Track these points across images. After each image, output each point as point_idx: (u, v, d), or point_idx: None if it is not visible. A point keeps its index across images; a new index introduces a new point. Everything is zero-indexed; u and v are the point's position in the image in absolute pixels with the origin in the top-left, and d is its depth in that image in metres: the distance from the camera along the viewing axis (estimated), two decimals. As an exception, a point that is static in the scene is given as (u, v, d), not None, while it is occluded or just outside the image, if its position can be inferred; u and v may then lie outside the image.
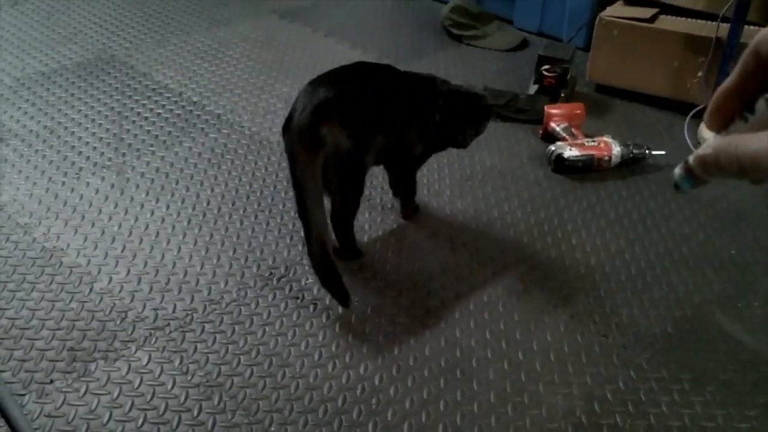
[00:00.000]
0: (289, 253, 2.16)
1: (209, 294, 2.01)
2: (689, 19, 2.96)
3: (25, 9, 3.73)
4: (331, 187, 2.03)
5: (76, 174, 2.47)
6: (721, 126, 0.67)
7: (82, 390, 1.71)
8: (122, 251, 2.15)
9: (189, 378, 1.75)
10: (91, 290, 2.00)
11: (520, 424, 1.68)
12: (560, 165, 2.55)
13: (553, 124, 2.71)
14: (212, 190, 2.42)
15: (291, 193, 2.28)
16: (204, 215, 2.30)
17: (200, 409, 1.67)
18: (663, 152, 2.63)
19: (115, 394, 1.70)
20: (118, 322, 1.90)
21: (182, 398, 1.70)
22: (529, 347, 1.88)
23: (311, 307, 1.97)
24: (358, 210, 2.12)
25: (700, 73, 2.85)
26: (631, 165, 2.60)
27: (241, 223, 2.27)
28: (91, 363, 1.78)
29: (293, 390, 1.73)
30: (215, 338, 1.86)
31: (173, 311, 1.94)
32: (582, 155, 2.55)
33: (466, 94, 2.17)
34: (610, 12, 3.02)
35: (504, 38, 3.59)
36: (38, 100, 2.91)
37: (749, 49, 0.64)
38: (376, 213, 2.34)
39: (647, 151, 2.60)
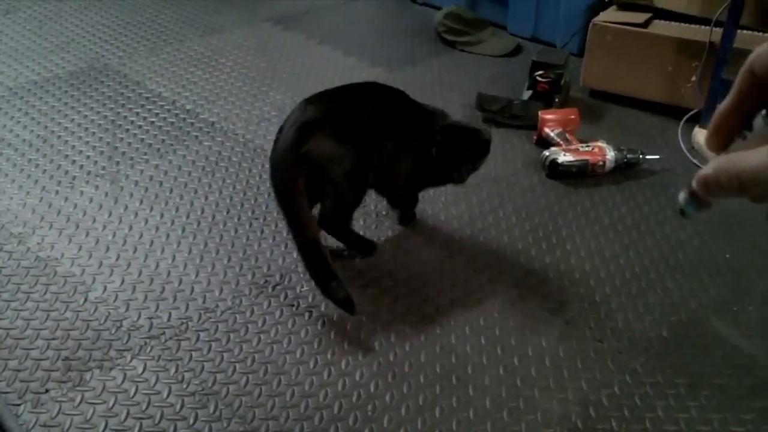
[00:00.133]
0: (284, 260, 2.16)
1: (204, 302, 2.00)
2: (682, 24, 2.96)
3: (18, 18, 3.73)
4: (320, 198, 2.05)
5: (70, 183, 2.47)
6: (722, 146, 0.67)
7: (78, 399, 1.70)
8: (116, 260, 2.15)
9: (184, 386, 1.74)
10: (85, 299, 2.00)
11: (515, 429, 1.67)
12: (554, 170, 2.55)
13: (547, 130, 2.72)
14: (206, 198, 2.41)
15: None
16: (198, 223, 2.30)
17: (196, 418, 1.67)
18: (657, 157, 2.63)
19: (111, 404, 1.69)
20: (113, 331, 1.90)
21: (178, 407, 1.69)
22: (524, 353, 1.88)
23: (306, 315, 1.97)
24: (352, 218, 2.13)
25: (693, 78, 2.85)
26: (626, 170, 2.60)
27: (236, 231, 2.27)
28: (86, 372, 1.77)
29: (289, 397, 1.72)
30: (210, 346, 1.86)
31: (168, 320, 1.94)
32: (576, 160, 2.55)
33: (463, 129, 2.18)
34: (604, 17, 3.03)
35: (498, 44, 3.59)
36: (31, 109, 2.90)
37: (744, 69, 0.64)
38: (370, 220, 2.34)
39: (641, 156, 2.61)
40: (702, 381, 1.81)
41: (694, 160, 2.68)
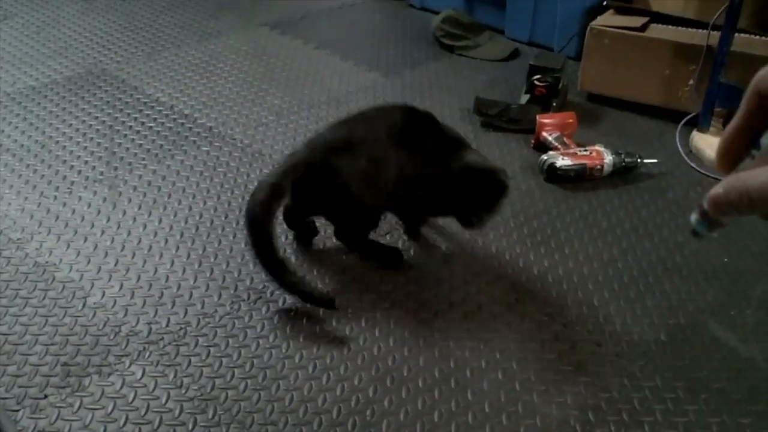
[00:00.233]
0: (282, 265, 2.16)
1: (203, 307, 2.00)
2: (680, 28, 2.97)
3: (15, 24, 3.73)
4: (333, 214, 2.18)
5: (68, 188, 2.47)
6: (731, 166, 0.68)
7: (76, 405, 1.70)
8: (115, 265, 2.15)
9: (183, 392, 1.74)
10: (84, 305, 2.00)
11: (515, 434, 1.68)
12: (552, 174, 2.56)
13: (545, 134, 2.72)
14: (205, 203, 2.42)
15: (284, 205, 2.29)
16: (197, 228, 2.30)
17: (195, 423, 1.67)
18: (655, 160, 2.63)
19: (109, 409, 1.69)
20: (111, 337, 1.90)
21: (176, 412, 1.69)
22: (522, 357, 1.88)
23: (305, 320, 1.97)
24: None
25: (691, 81, 2.85)
26: (624, 174, 2.61)
27: (234, 236, 2.27)
28: (84, 378, 1.77)
29: (288, 402, 1.73)
30: (209, 352, 1.86)
31: (167, 325, 1.94)
32: (574, 164, 2.55)
33: (481, 173, 2.10)
34: (601, 21, 3.03)
35: (495, 48, 3.60)
36: (29, 114, 2.90)
37: (750, 89, 0.65)
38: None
39: (639, 160, 2.61)
40: (700, 384, 1.81)
41: (692, 164, 2.68)
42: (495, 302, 2.05)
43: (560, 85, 2.96)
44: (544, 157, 2.59)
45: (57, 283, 2.07)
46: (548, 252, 2.25)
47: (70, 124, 2.84)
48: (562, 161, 2.55)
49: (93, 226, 2.30)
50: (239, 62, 3.40)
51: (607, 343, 1.93)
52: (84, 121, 2.86)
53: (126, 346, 1.87)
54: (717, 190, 0.64)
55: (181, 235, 2.27)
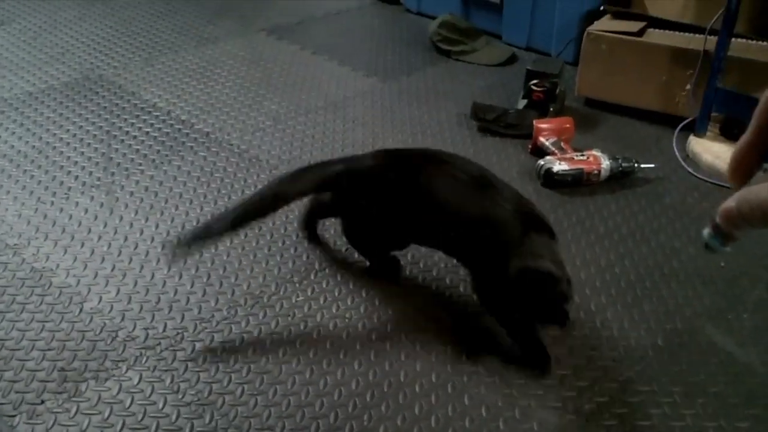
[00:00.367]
0: (279, 270, 2.16)
1: (199, 312, 2.00)
2: (677, 33, 2.97)
3: (12, 29, 3.73)
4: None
5: (65, 194, 2.47)
6: (744, 180, 0.68)
7: (73, 410, 1.70)
8: (112, 271, 2.14)
9: (180, 397, 1.74)
10: (81, 310, 2.00)
11: (512, 439, 1.68)
12: (550, 179, 2.56)
13: (542, 139, 2.72)
14: (201, 208, 2.41)
15: (280, 210, 2.29)
16: (194, 233, 2.30)
17: (192, 428, 1.66)
18: (652, 165, 2.64)
19: (106, 414, 1.69)
20: (108, 342, 1.90)
21: (173, 417, 1.69)
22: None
23: (302, 325, 1.97)
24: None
25: (688, 86, 2.86)
26: (621, 179, 2.61)
27: (231, 241, 2.26)
28: (81, 383, 1.77)
29: (285, 407, 1.72)
30: (206, 357, 1.86)
31: (164, 330, 1.94)
32: (571, 169, 2.55)
33: (542, 278, 1.72)
34: (598, 26, 3.04)
35: (493, 53, 3.60)
36: (26, 120, 2.90)
37: (761, 105, 0.65)
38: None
39: (636, 165, 2.61)
40: (697, 389, 1.81)
41: (689, 169, 2.68)
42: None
43: (557, 90, 2.96)
44: (541, 162, 2.59)
45: (54, 289, 2.07)
46: (545, 257, 2.25)
47: (68, 130, 2.84)
48: (560, 166, 2.55)
49: (90, 231, 2.30)
50: (236, 68, 3.41)
51: (603, 347, 1.93)
52: (81, 127, 2.86)
53: (123, 352, 1.87)
54: (729, 203, 0.64)
55: (178, 241, 2.27)
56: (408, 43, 3.74)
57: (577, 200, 2.51)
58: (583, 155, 2.61)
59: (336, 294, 2.08)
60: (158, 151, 2.72)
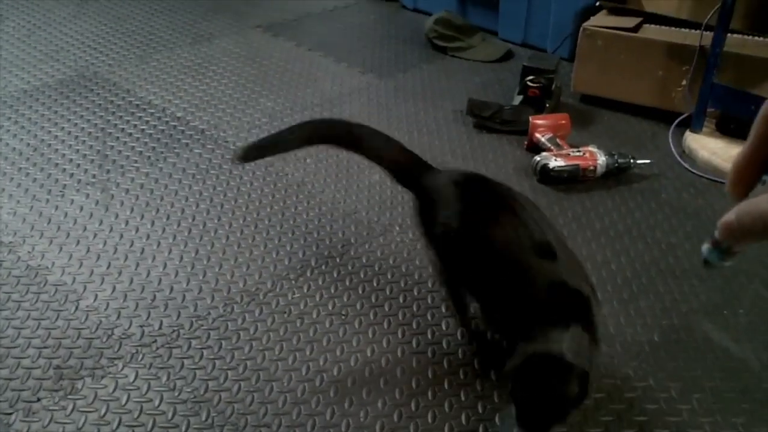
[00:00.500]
0: (275, 268, 2.16)
1: (196, 310, 2.00)
2: (673, 28, 2.97)
3: (6, 27, 3.72)
4: None
5: (60, 191, 2.46)
6: (744, 193, 0.67)
7: (69, 408, 1.70)
8: (107, 268, 2.14)
9: (176, 394, 1.74)
10: (76, 308, 1.99)
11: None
12: (546, 176, 2.55)
13: (538, 135, 2.72)
14: (197, 205, 2.41)
15: (276, 207, 2.29)
16: (189, 231, 2.30)
17: (188, 425, 1.66)
18: (648, 161, 2.63)
19: (103, 412, 1.69)
20: (104, 340, 1.89)
21: (170, 414, 1.69)
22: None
23: (298, 322, 1.97)
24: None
25: (684, 82, 2.86)
26: (617, 175, 2.61)
27: (227, 239, 2.26)
28: (77, 381, 1.77)
29: (281, 405, 1.72)
30: (202, 354, 1.86)
31: (159, 328, 1.94)
32: (567, 165, 2.55)
33: (555, 367, 1.42)
34: (594, 22, 3.03)
35: (488, 50, 3.60)
36: (21, 118, 2.90)
37: (760, 117, 0.65)
38: (362, 227, 2.34)
39: (632, 161, 2.61)
40: (693, 384, 1.81)
41: (685, 165, 2.68)
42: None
43: (553, 87, 2.96)
44: (537, 158, 2.59)
45: (49, 287, 2.06)
46: (541, 253, 2.25)
47: (62, 128, 2.83)
48: (555, 162, 2.55)
49: (85, 229, 2.30)
50: (232, 65, 3.40)
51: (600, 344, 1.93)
52: (76, 124, 2.86)
53: (119, 349, 1.86)
54: (729, 216, 0.63)
55: (174, 238, 2.26)
56: (404, 39, 3.74)
57: (573, 196, 2.51)
58: (579, 151, 2.61)
59: (332, 291, 2.08)
60: (153, 149, 2.71)
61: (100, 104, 3.02)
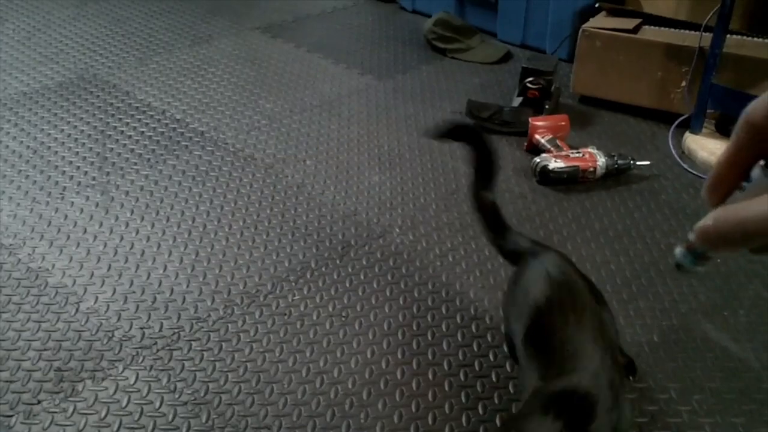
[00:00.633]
0: (275, 269, 2.16)
1: (196, 312, 2.00)
2: (672, 29, 2.97)
3: (6, 29, 3.73)
4: None
5: (61, 194, 2.47)
6: (722, 199, 0.66)
7: (70, 410, 1.70)
8: (108, 270, 2.14)
9: (177, 396, 1.74)
10: (77, 310, 1.99)
11: None
12: (545, 177, 2.56)
13: (537, 136, 2.72)
14: (197, 207, 2.41)
15: (276, 209, 2.29)
16: (189, 233, 2.30)
17: (188, 427, 1.66)
18: (647, 162, 2.64)
19: (103, 414, 1.69)
20: (104, 342, 1.89)
21: (170, 416, 1.69)
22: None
23: (298, 324, 1.97)
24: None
25: (683, 83, 2.86)
26: (616, 176, 2.61)
27: (227, 240, 2.27)
28: (78, 383, 1.77)
29: (281, 406, 1.72)
30: (202, 356, 1.86)
31: (160, 330, 1.94)
32: (567, 167, 2.55)
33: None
34: (593, 23, 3.04)
35: (487, 51, 3.60)
36: (20, 120, 2.90)
37: (742, 120, 0.63)
38: (362, 229, 2.34)
39: (632, 162, 2.61)
40: (693, 385, 1.82)
41: (685, 165, 2.68)
42: (489, 305, 2.05)
43: (553, 88, 2.96)
44: (537, 159, 2.60)
45: (50, 289, 2.06)
46: (541, 254, 2.25)
47: (62, 130, 2.84)
48: (555, 164, 2.55)
49: (85, 231, 2.30)
50: (231, 66, 3.40)
51: (600, 344, 1.93)
52: (76, 127, 2.86)
53: (119, 351, 1.87)
54: (706, 222, 0.61)
55: (174, 240, 2.26)
56: (403, 41, 3.74)
57: (572, 197, 2.52)
58: (578, 152, 2.61)
59: (333, 293, 2.08)
60: (153, 151, 2.72)
61: (99, 106, 3.02)
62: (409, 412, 1.72)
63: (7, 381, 1.77)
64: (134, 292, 2.07)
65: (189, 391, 1.75)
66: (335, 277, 2.14)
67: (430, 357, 1.88)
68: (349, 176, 2.59)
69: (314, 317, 1.99)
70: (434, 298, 2.08)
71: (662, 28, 2.99)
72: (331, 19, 4.01)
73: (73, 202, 2.42)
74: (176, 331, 1.94)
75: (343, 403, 1.74)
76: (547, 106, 2.93)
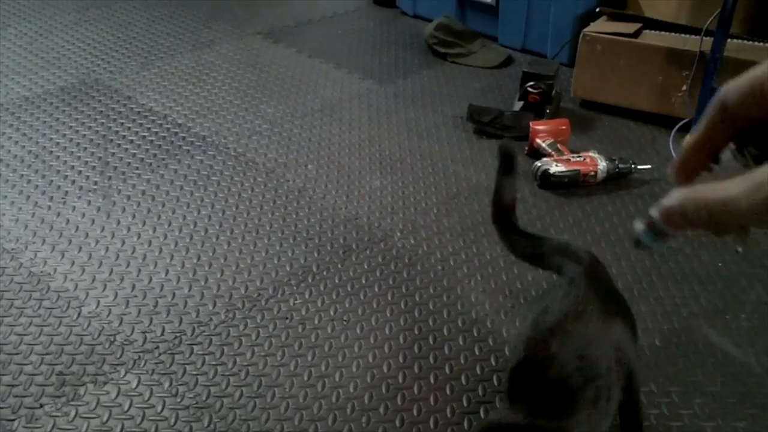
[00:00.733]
0: (277, 273, 2.16)
1: (197, 316, 2.00)
2: (672, 34, 2.97)
3: (8, 34, 3.73)
4: None
5: (62, 198, 2.47)
6: (688, 179, 0.65)
7: (72, 414, 1.70)
8: (110, 275, 2.14)
9: (178, 400, 1.74)
10: (79, 314, 2.00)
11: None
12: (546, 181, 2.56)
13: (538, 141, 2.72)
14: (199, 212, 2.42)
15: (278, 213, 2.29)
16: (191, 237, 2.30)
17: (190, 431, 1.67)
18: (648, 166, 2.64)
19: (105, 418, 1.69)
20: (106, 346, 1.90)
21: (172, 420, 1.69)
22: (518, 363, 1.88)
23: (300, 328, 1.97)
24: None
25: (684, 87, 2.86)
26: (617, 180, 2.61)
27: (229, 245, 2.27)
28: (80, 387, 1.77)
29: (283, 410, 1.72)
30: (204, 360, 1.86)
31: (162, 334, 1.94)
32: (568, 171, 2.55)
33: None
34: (594, 28, 3.04)
35: (488, 55, 3.60)
36: (22, 125, 2.90)
37: (715, 102, 0.62)
38: (363, 233, 2.35)
39: (633, 166, 2.61)
40: (695, 389, 1.82)
41: (685, 170, 2.68)
42: (490, 310, 2.05)
43: (553, 92, 2.96)
44: (538, 163, 2.60)
45: (52, 293, 2.07)
46: (542, 258, 2.25)
47: (64, 134, 2.84)
48: (556, 168, 2.56)
49: (87, 235, 2.30)
50: (232, 71, 3.41)
51: (601, 348, 1.93)
52: (77, 131, 2.86)
53: (121, 355, 1.87)
54: (671, 201, 0.60)
55: (175, 244, 2.27)
56: (404, 45, 3.74)
57: (573, 201, 2.52)
58: (579, 157, 2.61)
59: (334, 297, 2.08)
60: (155, 155, 2.72)
61: (101, 111, 3.02)
62: (410, 416, 1.72)
63: (9, 385, 1.77)
64: (136, 296, 2.07)
65: (190, 395, 1.76)
66: (336, 281, 2.14)
67: (431, 361, 1.88)
68: (350, 180, 2.59)
69: (315, 321, 1.99)
70: (435, 302, 2.08)
71: (663, 33, 3.00)
72: (333, 24, 4.02)
73: (75, 207, 2.43)
74: (178, 335, 1.94)
75: (344, 407, 1.74)
76: (547, 111, 2.94)
